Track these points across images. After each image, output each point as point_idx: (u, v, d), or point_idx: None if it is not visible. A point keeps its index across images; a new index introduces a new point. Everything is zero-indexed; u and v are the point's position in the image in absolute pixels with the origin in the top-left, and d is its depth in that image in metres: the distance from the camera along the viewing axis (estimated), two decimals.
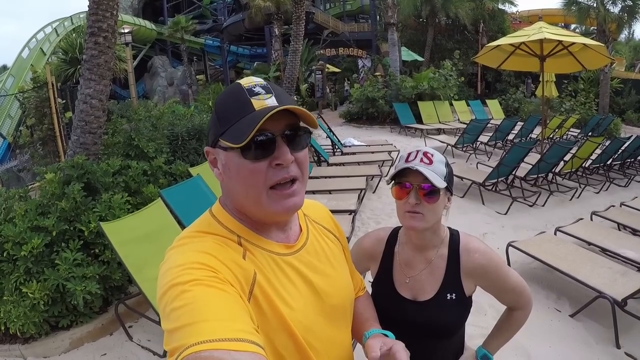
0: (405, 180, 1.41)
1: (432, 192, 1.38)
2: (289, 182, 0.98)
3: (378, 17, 29.16)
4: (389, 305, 1.50)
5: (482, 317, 3.54)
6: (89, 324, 3.74)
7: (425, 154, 1.41)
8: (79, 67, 10.70)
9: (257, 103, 0.94)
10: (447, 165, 1.44)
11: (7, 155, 11.27)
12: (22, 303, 3.40)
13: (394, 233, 1.61)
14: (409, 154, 1.43)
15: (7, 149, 12.12)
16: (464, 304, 1.49)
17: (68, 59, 13.47)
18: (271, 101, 0.95)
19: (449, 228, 1.56)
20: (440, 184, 1.37)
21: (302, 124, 1.01)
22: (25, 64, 18.74)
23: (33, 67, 10.61)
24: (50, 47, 20.09)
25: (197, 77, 31.19)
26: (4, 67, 35.55)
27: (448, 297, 1.46)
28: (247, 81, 0.99)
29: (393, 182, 1.45)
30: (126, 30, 14.17)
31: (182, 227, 3.99)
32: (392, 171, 1.46)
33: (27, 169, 8.62)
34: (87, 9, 5.12)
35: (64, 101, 8.35)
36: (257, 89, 0.96)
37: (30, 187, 4.93)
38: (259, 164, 0.94)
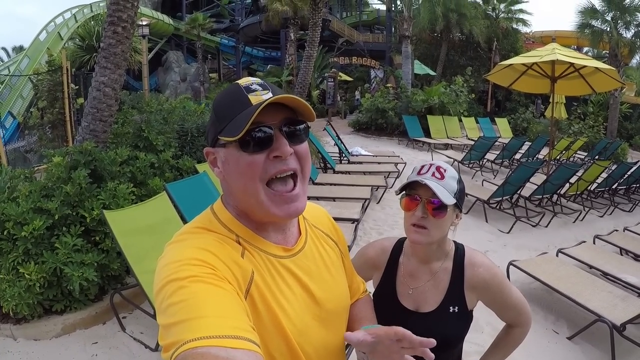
0: (415, 193, 1.41)
1: (439, 208, 1.38)
2: (290, 178, 0.98)
3: (393, 29, 29.28)
4: (390, 316, 1.47)
5: (479, 335, 3.51)
6: (83, 310, 3.74)
7: (438, 168, 1.41)
8: (94, 54, 10.74)
9: (254, 98, 0.95)
10: (460, 182, 1.44)
11: (16, 135, 11.32)
12: (17, 283, 3.40)
13: (399, 244, 1.61)
14: (422, 167, 1.43)
15: (17, 128, 12.18)
16: (466, 318, 1.49)
17: (84, 45, 13.52)
18: (268, 96, 0.95)
19: (455, 242, 1.56)
20: (449, 200, 1.37)
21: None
22: (41, 46, 18.77)
23: (49, 51, 10.64)
24: (68, 32, 20.15)
25: (210, 75, 31.34)
26: (21, 48, 35.74)
27: (450, 310, 1.46)
28: (244, 80, 1.00)
29: (403, 193, 1.45)
30: (144, 23, 14.22)
31: (185, 222, 3.99)
32: (402, 182, 1.46)
33: (34, 150, 8.67)
34: None
35: (77, 87, 8.41)
36: (254, 86, 0.98)
37: (36, 168, 4.94)
38: (257, 156, 0.94)
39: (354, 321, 1.27)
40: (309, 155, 1.03)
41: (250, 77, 1.02)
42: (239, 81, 1.01)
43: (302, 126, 1.00)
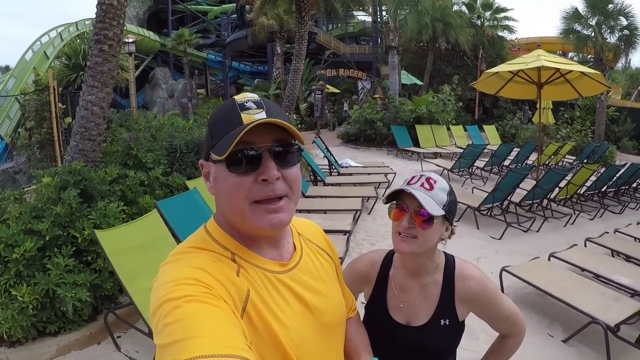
0: (402, 203, 1.41)
1: (426, 218, 1.37)
2: (276, 199, 0.96)
3: (379, 39, 29.51)
4: (381, 330, 1.49)
5: (474, 341, 3.51)
6: (77, 331, 3.70)
7: (428, 179, 1.40)
8: (81, 73, 10.72)
9: (246, 117, 0.94)
10: (450, 194, 1.42)
11: (4, 156, 11.22)
12: (10, 306, 3.37)
13: (389, 256, 1.60)
14: (412, 177, 1.43)
15: (4, 150, 12.07)
16: (457, 329, 1.49)
17: (71, 64, 13.49)
18: (260, 115, 0.94)
19: (445, 253, 1.56)
20: (436, 211, 1.36)
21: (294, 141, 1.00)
22: (28, 66, 18.70)
23: (35, 70, 10.58)
24: (54, 51, 20.08)
25: (198, 91, 31.36)
26: (7, 68, 35.57)
27: (442, 323, 1.45)
28: (241, 97, 0.99)
29: (392, 202, 1.45)
30: (130, 40, 14.18)
31: (177, 239, 3.97)
32: (389, 191, 1.46)
33: (23, 171, 8.58)
34: (94, 16, 5.16)
35: (65, 106, 8.36)
36: (249, 104, 0.96)
37: (25, 189, 4.91)
38: (244, 178, 0.93)
39: (349, 348, 1.28)
40: (299, 180, 1.02)
41: (247, 94, 1.00)
42: (236, 97, 0.99)
43: (294, 148, 0.98)
